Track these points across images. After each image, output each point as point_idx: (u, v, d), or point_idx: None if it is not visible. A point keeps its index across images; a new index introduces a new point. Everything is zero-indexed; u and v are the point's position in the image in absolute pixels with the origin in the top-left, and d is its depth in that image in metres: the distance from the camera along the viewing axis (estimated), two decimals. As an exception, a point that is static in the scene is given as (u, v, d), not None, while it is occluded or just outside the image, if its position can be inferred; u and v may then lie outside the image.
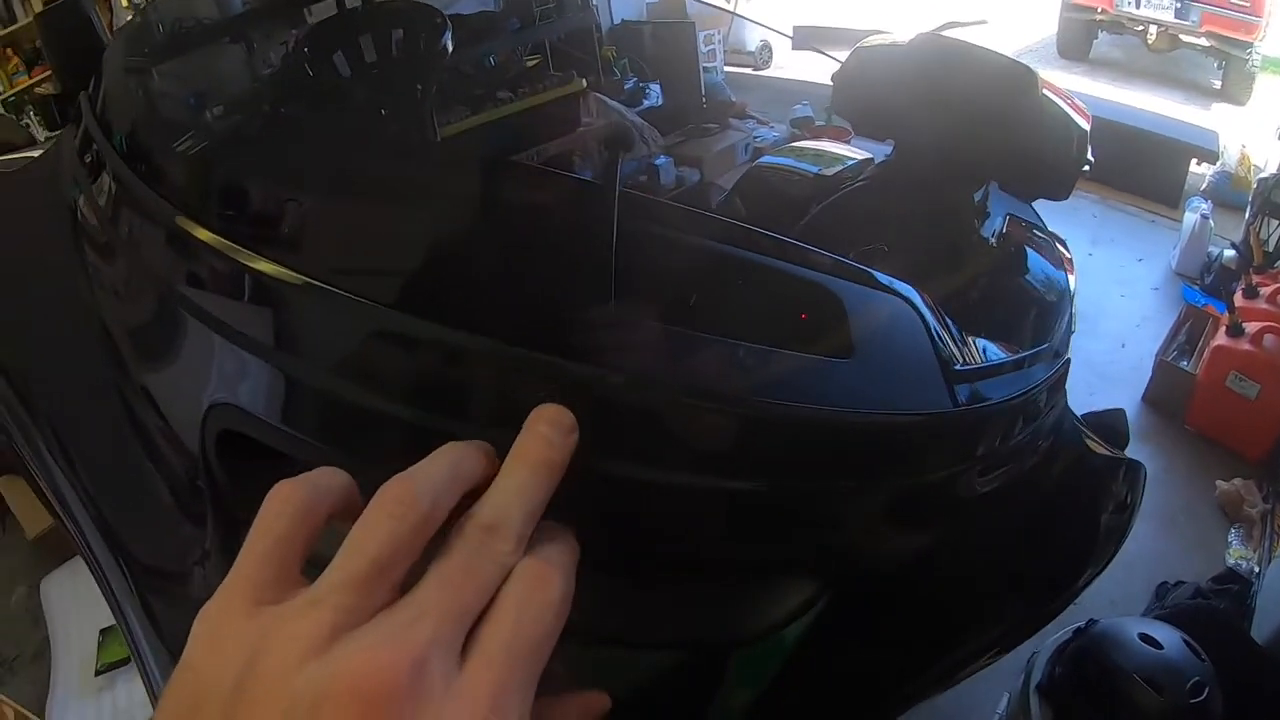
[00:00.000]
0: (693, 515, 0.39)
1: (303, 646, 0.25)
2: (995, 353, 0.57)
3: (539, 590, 0.28)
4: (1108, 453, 0.70)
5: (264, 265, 0.40)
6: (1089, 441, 0.69)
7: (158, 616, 0.54)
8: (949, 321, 0.49)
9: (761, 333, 0.39)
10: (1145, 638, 1.34)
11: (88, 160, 0.59)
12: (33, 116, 3.79)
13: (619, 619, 0.38)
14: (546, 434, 0.31)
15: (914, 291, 0.47)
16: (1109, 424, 0.74)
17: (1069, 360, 0.65)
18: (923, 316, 0.46)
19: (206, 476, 0.44)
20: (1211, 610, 1.69)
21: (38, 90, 3.89)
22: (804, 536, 0.43)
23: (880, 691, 0.50)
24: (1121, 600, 1.85)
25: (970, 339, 0.53)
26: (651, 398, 0.35)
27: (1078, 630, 1.40)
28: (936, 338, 0.47)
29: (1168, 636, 1.35)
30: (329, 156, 0.46)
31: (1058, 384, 0.62)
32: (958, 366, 0.48)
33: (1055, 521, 0.64)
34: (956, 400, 0.47)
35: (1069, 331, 0.71)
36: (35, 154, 0.92)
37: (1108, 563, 0.63)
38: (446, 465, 0.29)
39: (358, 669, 0.24)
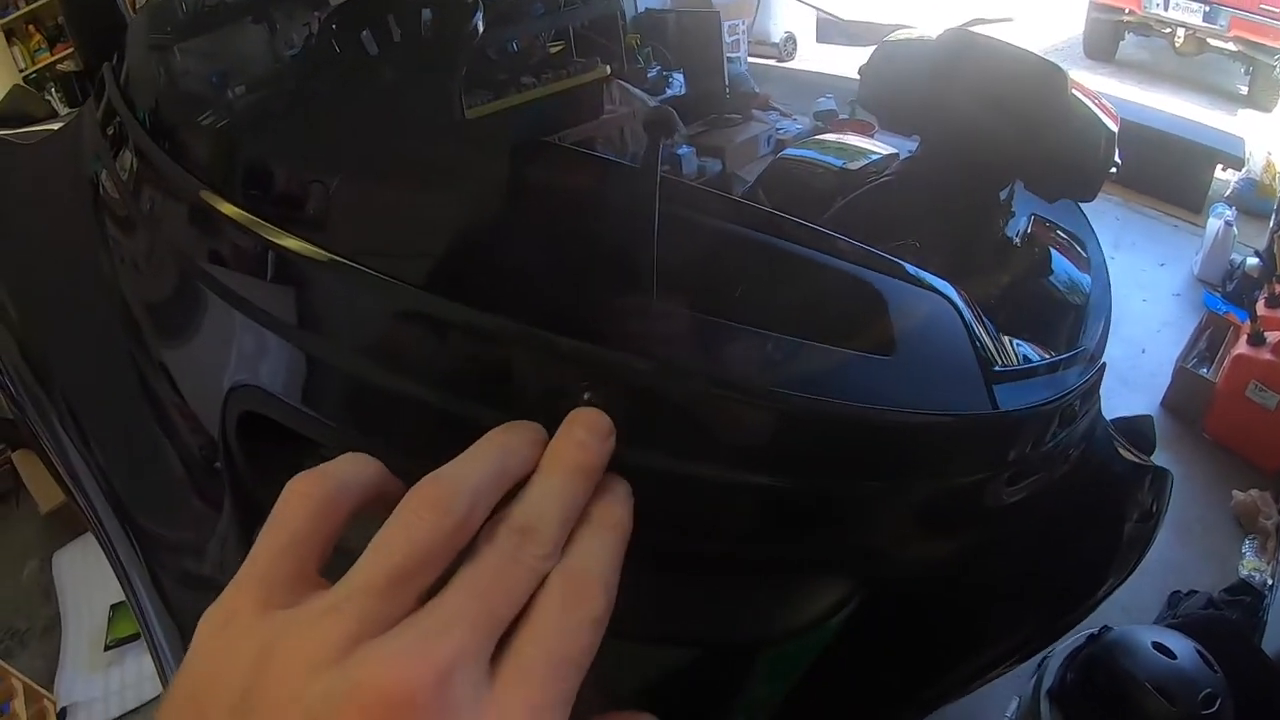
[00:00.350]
0: (727, 510, 0.38)
1: (319, 653, 0.23)
2: (1031, 354, 0.56)
3: (578, 602, 0.26)
4: (1136, 459, 0.69)
5: (291, 242, 0.39)
6: (1119, 448, 0.68)
7: (168, 592, 0.54)
8: (987, 321, 0.48)
9: (803, 327, 0.38)
10: (1158, 646, 1.33)
11: (110, 133, 0.58)
12: (54, 93, 3.81)
13: (645, 615, 0.38)
14: (584, 439, 0.29)
15: (953, 289, 0.46)
16: (1137, 429, 0.73)
17: (1104, 365, 0.64)
18: (962, 315, 0.45)
19: (226, 458, 0.44)
20: (1225, 621, 1.67)
21: (59, 67, 3.91)
22: (839, 537, 0.42)
23: (900, 698, 0.49)
24: (1133, 607, 1.83)
25: (1007, 340, 0.52)
26: (691, 388, 0.34)
27: (1090, 636, 1.39)
28: (976, 337, 0.46)
29: (1181, 646, 1.34)
30: (357, 134, 0.45)
31: (1092, 389, 0.61)
32: (997, 368, 0.47)
33: (1079, 529, 0.63)
34: (996, 402, 0.45)
35: (1106, 335, 0.70)
36: (54, 127, 0.91)
37: (1130, 573, 0.62)
38: (490, 463, 0.28)
39: (380, 678, 0.22)
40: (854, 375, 0.40)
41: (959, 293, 0.46)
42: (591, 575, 0.27)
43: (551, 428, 0.30)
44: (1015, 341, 0.54)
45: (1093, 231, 0.92)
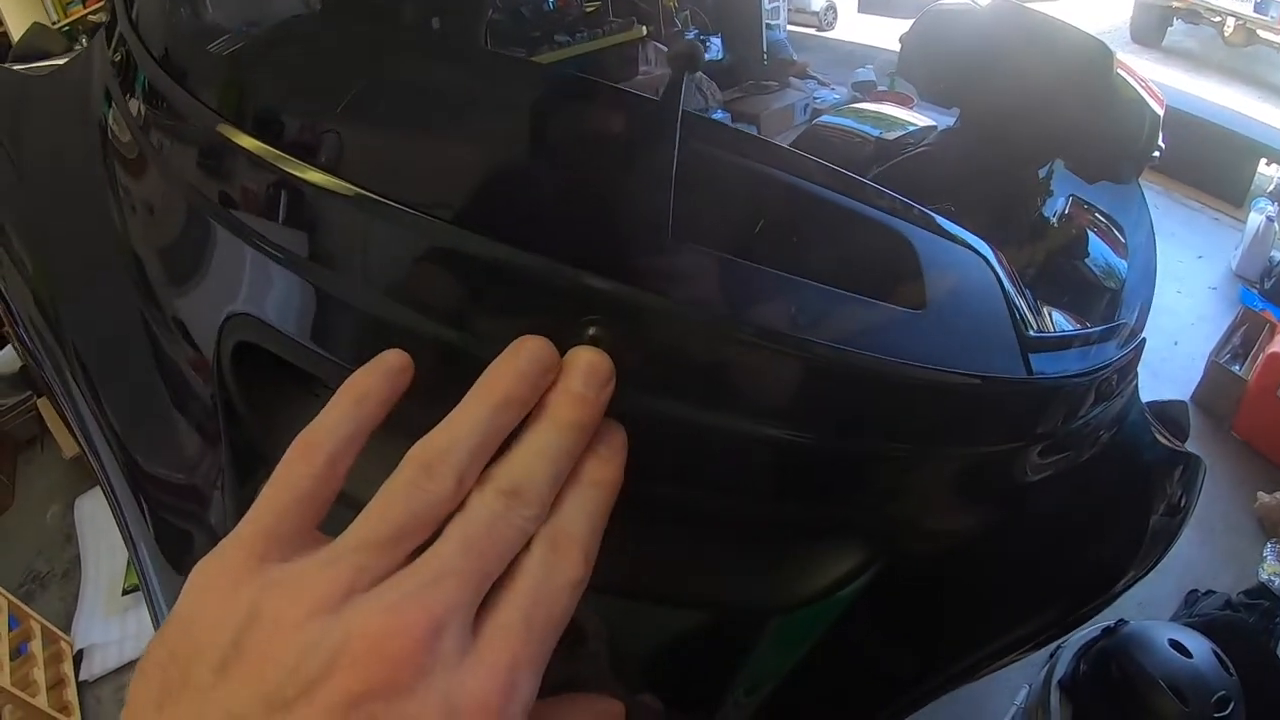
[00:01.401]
0: (740, 464, 0.37)
1: (313, 603, 0.23)
2: (1067, 325, 0.54)
3: (560, 567, 0.26)
4: (1170, 445, 0.67)
5: (313, 175, 0.37)
6: (1154, 433, 0.66)
7: (168, 544, 0.53)
8: (1022, 285, 0.46)
9: (831, 274, 0.36)
10: (1175, 644, 1.31)
11: (117, 59, 0.56)
12: (85, 44, 3.82)
13: (650, 571, 0.37)
14: (580, 391, 0.29)
15: (989, 248, 0.43)
16: (1171, 415, 0.71)
17: (1144, 340, 0.62)
18: (998, 274, 0.43)
19: (220, 389, 0.43)
20: (1244, 625, 1.65)
21: (91, 18, 3.92)
22: (857, 500, 0.41)
23: (908, 680, 0.48)
24: (1149, 603, 1.82)
25: (1044, 307, 0.50)
26: (704, 328, 0.33)
27: (1106, 629, 1.37)
28: (1011, 299, 0.43)
29: (1198, 646, 1.32)
30: (376, 64, 0.43)
31: (1130, 365, 0.59)
32: (1032, 332, 0.45)
33: (1104, 516, 0.61)
34: (1030, 368, 0.44)
35: (1147, 311, 0.67)
36: (62, 61, 0.88)
37: (1152, 567, 0.60)
38: (484, 420, 0.27)
39: (374, 628, 0.23)
40: (881, 328, 0.38)
41: (994, 251, 0.44)
42: (574, 540, 0.27)
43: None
44: (1052, 310, 0.52)
45: (1146, 207, 0.89)
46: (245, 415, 0.42)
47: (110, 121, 0.58)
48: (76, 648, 2.10)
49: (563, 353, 0.29)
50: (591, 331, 0.30)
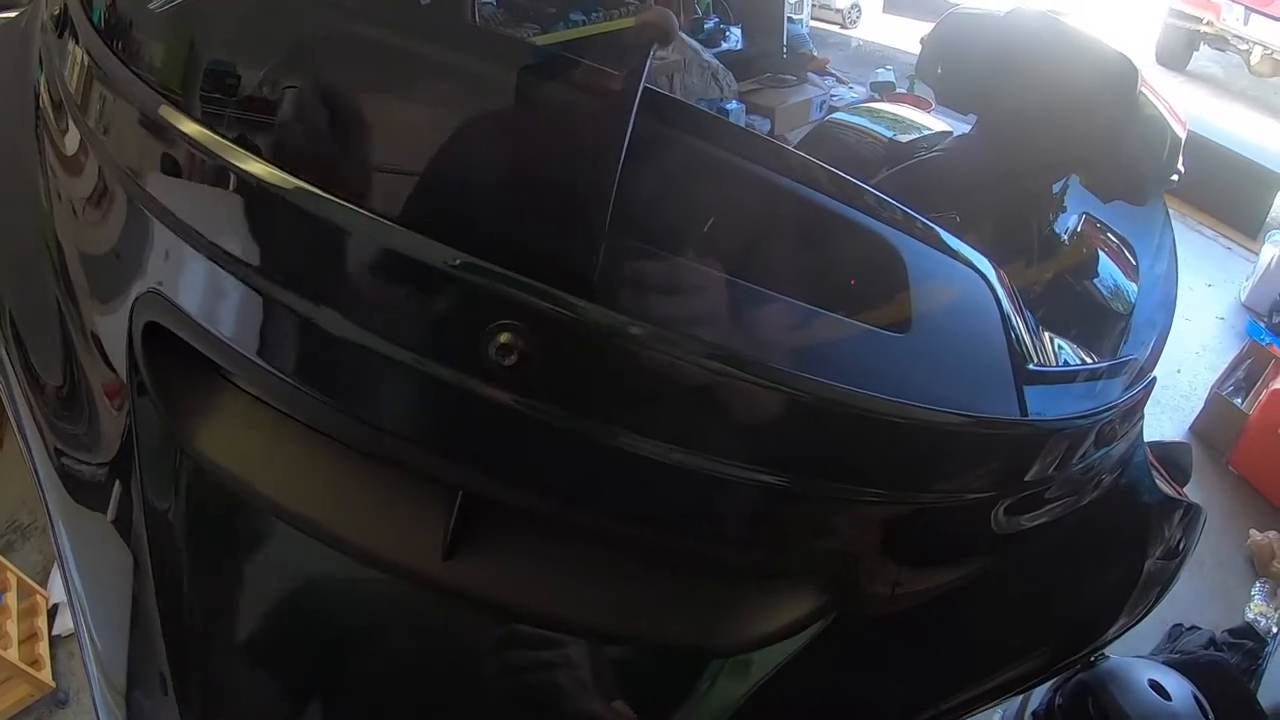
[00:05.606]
0: (678, 497, 0.33)
1: None
2: (1072, 357, 0.49)
3: None
4: (1171, 492, 0.63)
5: (256, 167, 0.33)
6: (1156, 478, 0.62)
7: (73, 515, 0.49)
8: (1025, 310, 0.42)
9: (800, 285, 0.32)
10: (1155, 685, 1.28)
11: (55, 13, 0.50)
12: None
13: (590, 608, 0.33)
14: None
15: (990, 265, 0.39)
16: (1173, 458, 0.67)
17: (1154, 380, 0.57)
18: (998, 296, 0.39)
19: (130, 368, 0.39)
20: (1226, 667, 1.62)
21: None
22: (814, 546, 0.37)
23: None
24: (1132, 634, 1.78)
25: (1047, 336, 0.45)
26: (642, 345, 0.29)
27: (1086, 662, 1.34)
28: (1011, 325, 0.39)
29: (1178, 689, 1.29)
30: (317, 37, 0.38)
31: (1137, 407, 0.55)
32: (1032, 366, 0.41)
33: (1098, 562, 0.57)
34: (1025, 407, 0.39)
35: (1161, 348, 0.63)
36: (12, 15, 0.81)
37: (1145, 615, 0.56)
38: None
39: None
40: (856, 352, 0.34)
41: (996, 270, 0.39)
42: None
43: (458, 366, 0.26)
44: (1056, 340, 0.48)
45: (1171, 234, 0.85)
46: (155, 400, 0.38)
47: (42, 89, 0.53)
48: (52, 602, 2.08)
49: (474, 356, 0.26)
50: (502, 339, 0.26)
